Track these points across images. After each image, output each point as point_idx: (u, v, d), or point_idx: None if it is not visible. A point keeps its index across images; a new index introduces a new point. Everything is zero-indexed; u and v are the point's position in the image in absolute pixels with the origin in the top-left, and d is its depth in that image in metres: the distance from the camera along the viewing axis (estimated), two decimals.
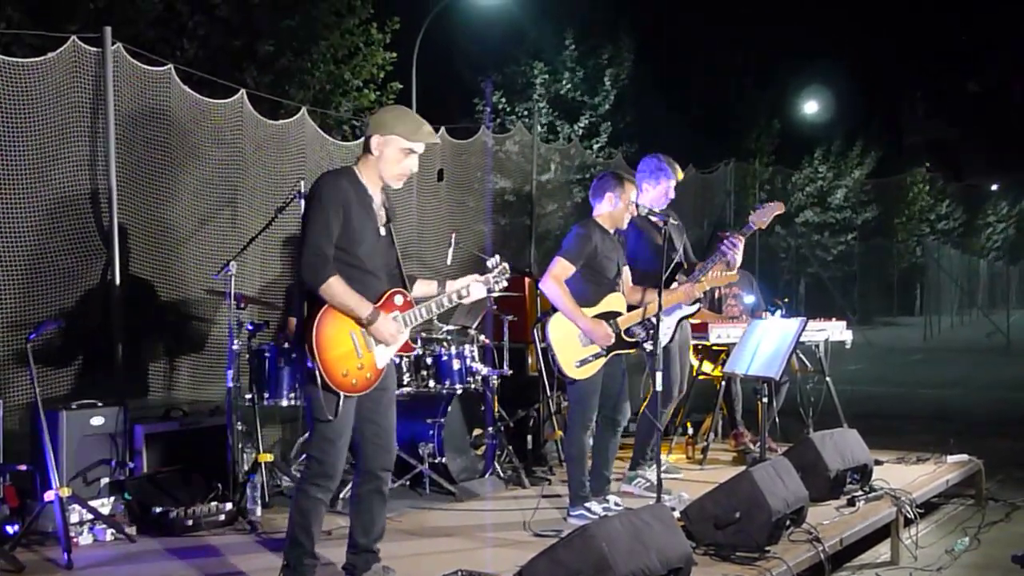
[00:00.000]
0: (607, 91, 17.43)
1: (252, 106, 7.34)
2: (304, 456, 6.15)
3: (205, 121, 6.93)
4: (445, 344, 6.59)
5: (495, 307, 6.93)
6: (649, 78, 18.96)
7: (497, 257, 4.39)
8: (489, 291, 4.35)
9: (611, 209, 5.42)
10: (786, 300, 7.32)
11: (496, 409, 6.56)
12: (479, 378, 6.51)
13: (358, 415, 4.03)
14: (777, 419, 7.26)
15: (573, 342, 5.25)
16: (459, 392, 6.30)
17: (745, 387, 7.55)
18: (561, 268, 5.28)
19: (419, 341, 6.50)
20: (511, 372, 6.72)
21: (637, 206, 5.47)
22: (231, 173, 7.09)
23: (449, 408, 6.15)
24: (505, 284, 4.39)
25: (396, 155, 3.98)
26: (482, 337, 6.78)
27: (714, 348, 7.25)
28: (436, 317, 6.66)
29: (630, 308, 5.45)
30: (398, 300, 4.05)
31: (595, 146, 16.74)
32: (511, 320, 6.85)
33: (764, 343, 6.03)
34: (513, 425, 6.82)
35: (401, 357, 6.23)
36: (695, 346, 7.35)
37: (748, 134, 25.94)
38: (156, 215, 6.57)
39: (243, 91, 7.27)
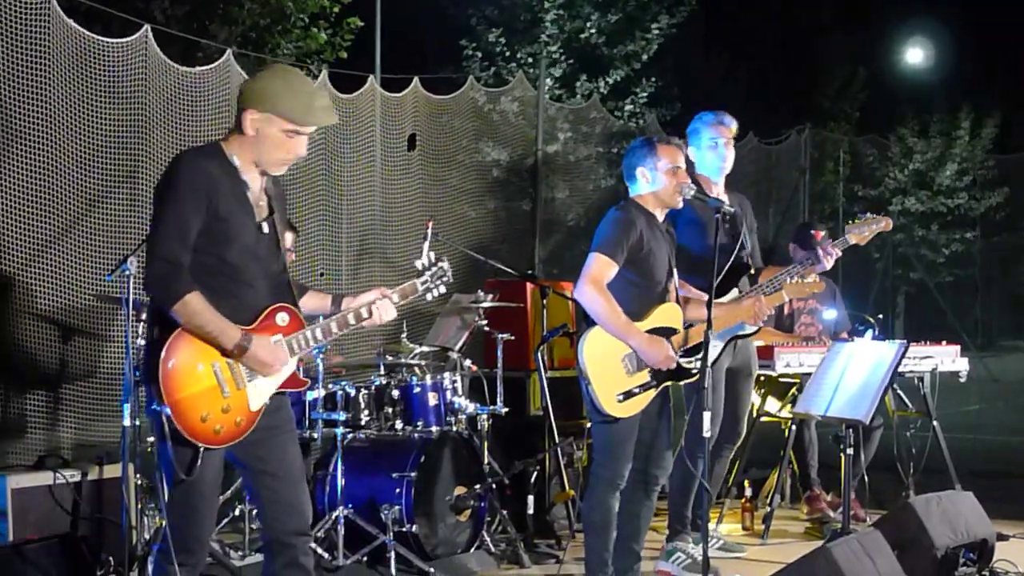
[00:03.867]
0: (649, 39, 17.30)
1: (160, 47, 7.34)
2: (225, 521, 6.22)
3: (96, 67, 6.94)
4: (418, 372, 6.58)
5: (486, 323, 6.93)
6: (694, 18, 18.95)
7: (430, 255, 4.42)
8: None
9: (652, 188, 5.40)
10: (880, 316, 7.34)
11: (487, 460, 6.57)
12: (463, 418, 6.50)
13: (246, 468, 4.11)
14: (866, 477, 7.26)
15: (615, 367, 5.22)
16: (436, 437, 6.30)
17: (823, 433, 7.54)
18: (601, 267, 5.22)
19: (382, 367, 6.51)
20: (507, 411, 6.73)
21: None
22: (130, 137, 7.11)
23: (423, 459, 6.14)
24: (440, 292, 4.42)
25: (278, 138, 3.99)
26: (468, 363, 6.78)
27: (781, 380, 7.26)
28: (405, 335, 6.70)
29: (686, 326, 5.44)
30: (282, 319, 4.08)
31: (625, 108, 16.67)
32: (507, 340, 6.85)
33: (850, 374, 6.03)
34: (509, 482, 6.81)
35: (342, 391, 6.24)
36: (756, 377, 7.37)
37: (828, 91, 25.96)
38: (28, 193, 6.57)
39: (148, 27, 7.29)
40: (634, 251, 5.25)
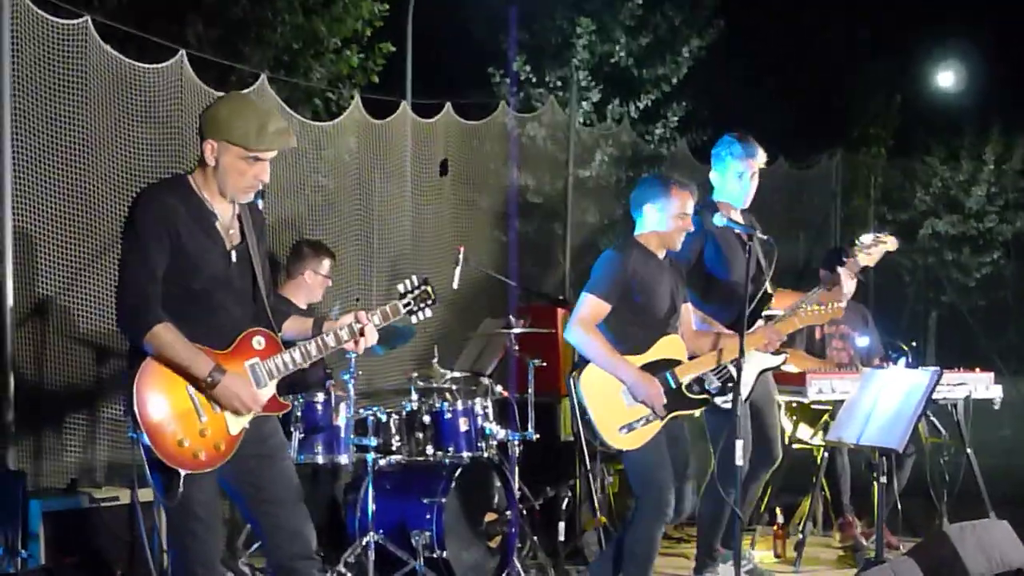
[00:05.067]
0: (679, 62, 17.30)
1: (195, 71, 7.39)
2: (256, 546, 6.22)
3: (132, 91, 6.99)
4: (448, 397, 6.58)
5: (517, 348, 6.93)
6: (725, 40, 18.93)
7: (414, 278, 4.43)
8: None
9: (655, 228, 5.46)
10: (914, 344, 7.29)
11: (518, 486, 6.55)
12: (494, 444, 6.49)
13: (243, 497, 4.14)
14: (899, 504, 7.21)
15: (615, 400, 5.28)
16: (467, 462, 6.29)
17: (855, 461, 7.50)
18: (590, 308, 5.34)
19: (413, 392, 6.50)
20: (538, 436, 6.70)
21: (705, 213, 5.50)
22: (166, 159, 7.15)
23: (453, 484, 6.14)
24: (426, 315, 4.43)
25: (237, 165, 4.04)
26: (499, 388, 6.77)
27: (814, 407, 7.22)
28: (437, 361, 6.69)
29: (691, 357, 5.47)
30: (258, 343, 4.12)
31: (656, 131, 16.67)
32: (539, 366, 6.84)
33: (882, 401, 6.01)
34: (540, 508, 6.80)
35: (387, 417, 6.24)
36: (788, 404, 7.33)
37: (860, 116, 25.86)
38: (66, 215, 6.62)
39: (183, 52, 7.33)
40: (629, 290, 5.33)
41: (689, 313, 5.73)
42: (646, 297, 5.36)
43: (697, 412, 5.51)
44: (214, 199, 4.09)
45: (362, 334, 4.24)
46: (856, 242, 6.37)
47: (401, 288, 4.41)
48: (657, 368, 5.34)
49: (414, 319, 4.43)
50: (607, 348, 5.26)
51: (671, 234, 5.44)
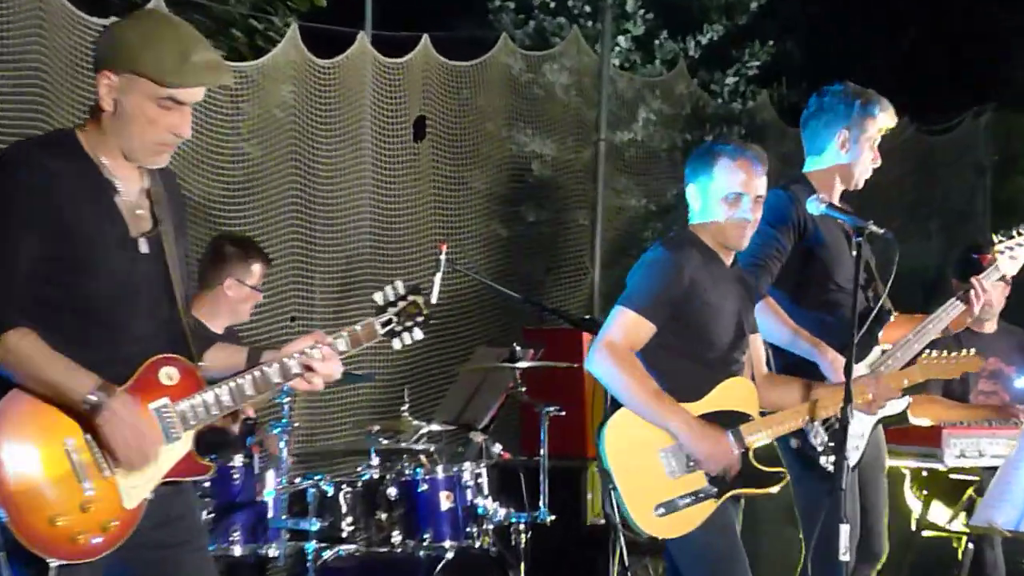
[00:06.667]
0: None
1: None
2: None
3: None
4: (424, 461, 6.57)
5: (524, 390, 6.91)
6: None
7: (398, 285, 4.35)
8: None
9: (702, 219, 5.41)
10: None
11: None
12: (491, 528, 6.49)
13: None
14: None
15: (651, 465, 5.22)
16: (451, 555, 6.28)
17: (1010, 551, 7.48)
18: (627, 328, 5.27)
19: (374, 453, 6.49)
20: (555, 518, 6.71)
21: (798, 189, 5.51)
22: (20, 114, 7.19)
23: None
24: (415, 338, 4.36)
25: (146, 110, 3.93)
26: (498, 448, 6.76)
27: (952, 477, 7.20)
28: (407, 409, 6.68)
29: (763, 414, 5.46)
30: (168, 376, 4.01)
31: (726, 82, 16.71)
32: (556, 415, 6.84)
33: None
34: None
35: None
36: (916, 473, 7.32)
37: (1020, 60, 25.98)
38: None
39: None
40: (682, 306, 5.28)
41: (760, 347, 5.71)
42: (705, 317, 5.32)
43: (768, 491, 5.45)
44: (115, 164, 3.99)
45: (309, 369, 4.16)
46: (996, 238, 6.29)
47: (379, 299, 4.32)
48: (715, 421, 5.29)
49: (397, 343, 4.34)
50: (649, 386, 5.19)
51: (723, 227, 5.35)
